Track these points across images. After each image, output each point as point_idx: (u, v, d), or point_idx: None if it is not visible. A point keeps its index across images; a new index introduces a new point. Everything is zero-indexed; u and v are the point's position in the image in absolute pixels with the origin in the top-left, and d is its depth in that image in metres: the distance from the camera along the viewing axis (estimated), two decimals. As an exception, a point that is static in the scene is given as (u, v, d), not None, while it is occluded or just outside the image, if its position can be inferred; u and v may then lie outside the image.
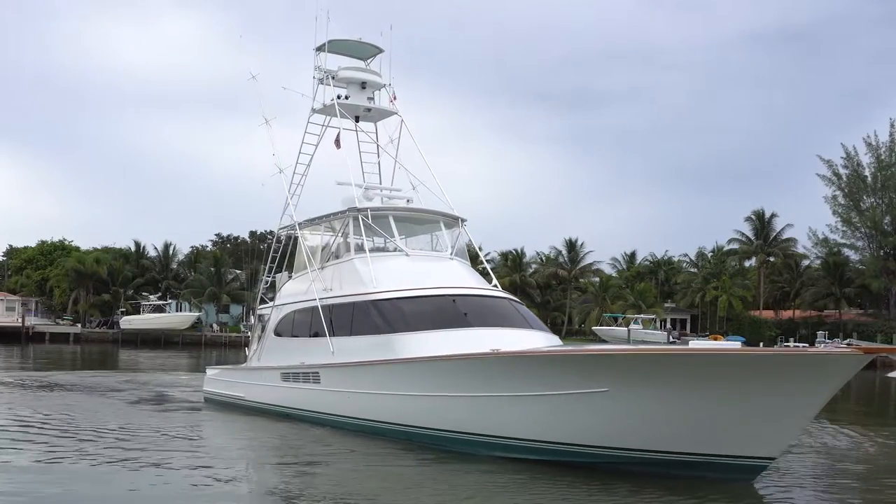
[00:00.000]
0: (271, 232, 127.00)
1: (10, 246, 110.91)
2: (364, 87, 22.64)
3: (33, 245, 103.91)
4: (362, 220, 19.62)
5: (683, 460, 12.87)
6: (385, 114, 23.24)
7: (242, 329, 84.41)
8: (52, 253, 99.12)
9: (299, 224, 22.23)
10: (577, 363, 13.41)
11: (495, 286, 20.08)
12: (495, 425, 14.40)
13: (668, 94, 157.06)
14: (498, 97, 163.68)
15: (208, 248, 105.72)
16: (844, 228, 74.92)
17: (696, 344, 13.56)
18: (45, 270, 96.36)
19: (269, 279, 24.47)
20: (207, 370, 25.81)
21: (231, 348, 74.57)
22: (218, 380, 24.58)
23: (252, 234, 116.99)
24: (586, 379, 13.03)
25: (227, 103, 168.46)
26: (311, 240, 22.31)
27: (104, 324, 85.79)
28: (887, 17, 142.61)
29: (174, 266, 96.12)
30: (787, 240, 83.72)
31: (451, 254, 20.15)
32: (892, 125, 72.38)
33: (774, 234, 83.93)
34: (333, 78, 22.69)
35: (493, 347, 14.80)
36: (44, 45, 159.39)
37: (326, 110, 22.76)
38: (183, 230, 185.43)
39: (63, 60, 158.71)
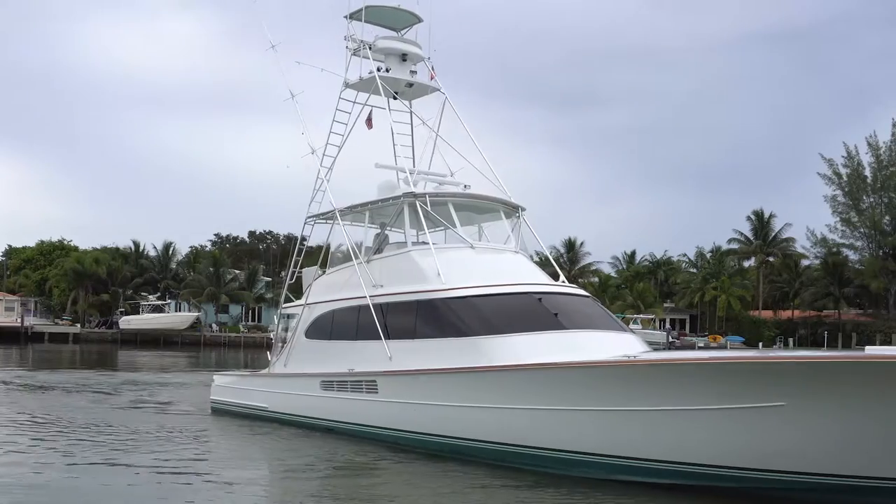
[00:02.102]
0: (270, 231, 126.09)
1: (9, 246, 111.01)
2: (404, 60, 20.15)
3: (32, 245, 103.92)
4: (420, 206, 17.16)
5: (876, 486, 11.06)
6: (427, 90, 20.56)
7: (242, 329, 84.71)
8: (52, 253, 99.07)
9: (340, 211, 19.33)
10: (750, 372, 11.42)
11: (563, 283, 18.04)
12: (632, 444, 12.38)
13: (668, 94, 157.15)
14: (497, 97, 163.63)
15: (207, 248, 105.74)
16: (844, 228, 75.03)
17: (872, 350, 11.34)
18: (45, 270, 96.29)
19: (296, 274, 21.39)
20: (215, 377, 23.03)
21: (230, 348, 74.63)
22: (230, 387, 21.94)
23: (251, 233, 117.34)
24: (760, 391, 11.20)
25: (228, 102, 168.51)
26: (342, 230, 19.62)
27: (103, 324, 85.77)
28: (888, 17, 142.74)
29: (173, 266, 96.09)
30: (787, 239, 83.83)
31: (516, 246, 18.09)
32: (893, 125, 72.39)
33: (774, 234, 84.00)
34: (370, 48, 19.99)
35: (625, 354, 13.29)
36: (43, 44, 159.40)
37: (362, 84, 20.07)
38: (182, 230, 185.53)
39: (63, 60, 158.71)
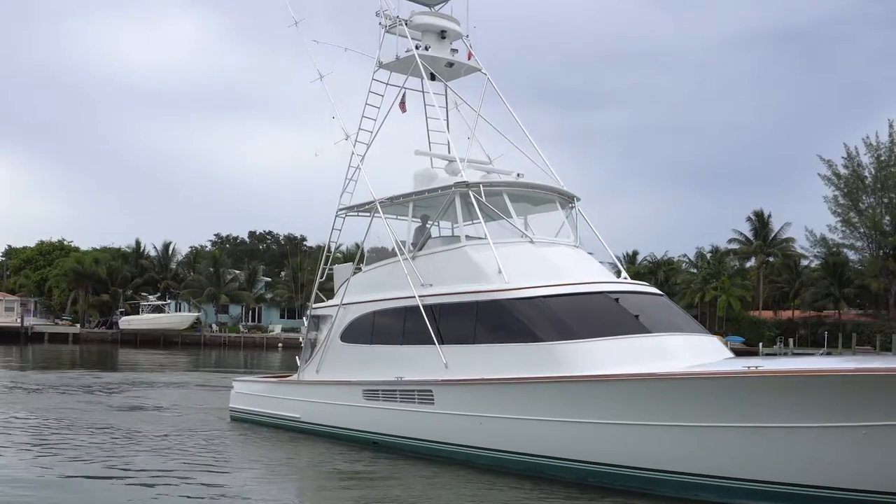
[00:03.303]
0: (270, 232, 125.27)
1: (9, 246, 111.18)
2: (443, 37, 18.52)
3: (32, 245, 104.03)
4: (474, 197, 15.58)
5: None
6: (467, 70, 18.92)
7: (242, 329, 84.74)
8: (51, 253, 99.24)
9: (380, 202, 17.41)
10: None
11: (627, 280, 16.80)
12: (751, 466, 10.99)
13: (668, 94, 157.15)
14: (497, 98, 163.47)
15: (207, 248, 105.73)
16: (844, 228, 75.04)
17: None
18: (44, 270, 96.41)
19: (326, 272, 19.43)
20: (235, 383, 21.25)
21: (230, 348, 74.69)
22: (254, 395, 20.10)
23: (251, 234, 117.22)
24: None
25: (228, 102, 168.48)
26: (384, 223, 17.63)
27: (103, 324, 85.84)
28: (888, 17, 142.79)
29: (173, 266, 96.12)
30: (786, 240, 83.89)
31: (575, 240, 16.53)
32: (890, 125, 72.43)
33: (774, 234, 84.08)
34: (406, 24, 18.38)
35: (718, 360, 12.27)
36: (43, 44, 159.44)
37: (398, 64, 18.47)
38: (182, 230, 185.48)
39: (63, 60, 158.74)
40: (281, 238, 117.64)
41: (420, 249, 16.57)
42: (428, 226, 17.27)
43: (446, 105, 19.32)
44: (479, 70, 18.95)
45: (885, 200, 72.59)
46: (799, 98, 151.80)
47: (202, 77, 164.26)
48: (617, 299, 13.95)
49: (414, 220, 17.45)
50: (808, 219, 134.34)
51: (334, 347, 18.00)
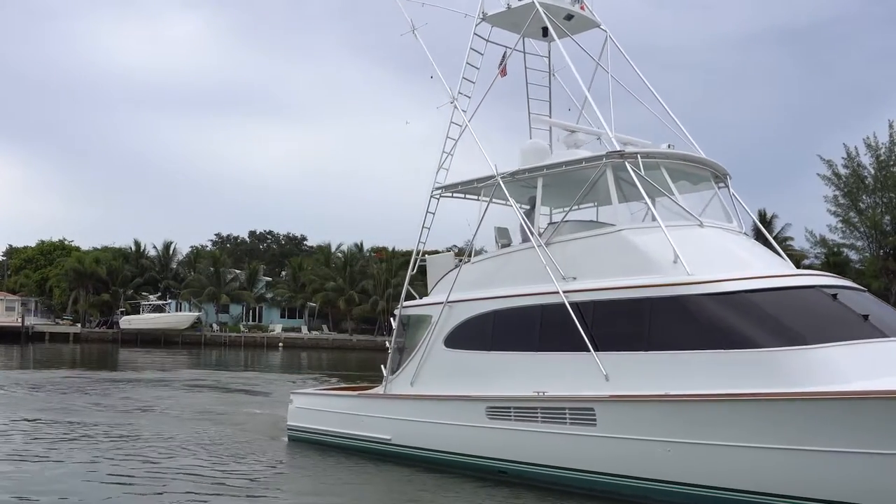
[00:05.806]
0: (270, 231, 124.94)
1: (10, 246, 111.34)
2: None
3: (33, 245, 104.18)
4: (632, 169, 12.78)
5: None
6: (584, 25, 16.08)
7: (242, 329, 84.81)
8: (52, 253, 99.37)
9: (502, 177, 14.46)
10: None
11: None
12: None
13: (667, 94, 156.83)
14: (499, 98, 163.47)
15: (208, 248, 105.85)
16: (844, 228, 75.16)
17: None
18: (45, 270, 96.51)
19: (416, 263, 16.34)
20: (294, 397, 17.80)
21: (231, 348, 74.76)
22: (322, 411, 16.75)
23: (251, 233, 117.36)
24: None
25: (228, 102, 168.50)
26: (513, 204, 14.75)
27: (104, 324, 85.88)
28: (889, 17, 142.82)
29: (174, 266, 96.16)
30: (787, 238, 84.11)
31: (739, 225, 14.19)
32: (891, 125, 72.53)
33: (774, 234, 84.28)
34: None
35: None
36: (44, 44, 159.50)
37: (506, 16, 15.74)
38: (183, 230, 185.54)
39: (63, 60, 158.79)
40: (281, 238, 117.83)
41: (546, 235, 14.09)
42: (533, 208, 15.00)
43: (549, 69, 16.56)
44: (598, 26, 16.23)
45: (885, 200, 72.71)
46: (799, 98, 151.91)
47: (203, 76, 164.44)
48: (835, 295, 11.40)
49: (520, 204, 15.02)
50: (808, 219, 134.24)
51: (436, 355, 14.80)
